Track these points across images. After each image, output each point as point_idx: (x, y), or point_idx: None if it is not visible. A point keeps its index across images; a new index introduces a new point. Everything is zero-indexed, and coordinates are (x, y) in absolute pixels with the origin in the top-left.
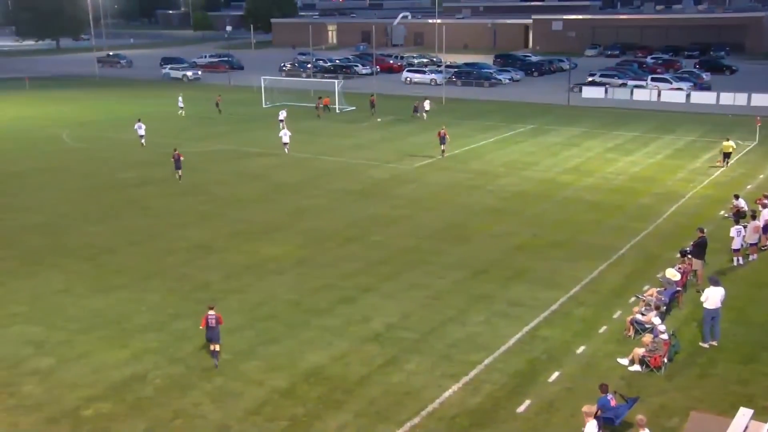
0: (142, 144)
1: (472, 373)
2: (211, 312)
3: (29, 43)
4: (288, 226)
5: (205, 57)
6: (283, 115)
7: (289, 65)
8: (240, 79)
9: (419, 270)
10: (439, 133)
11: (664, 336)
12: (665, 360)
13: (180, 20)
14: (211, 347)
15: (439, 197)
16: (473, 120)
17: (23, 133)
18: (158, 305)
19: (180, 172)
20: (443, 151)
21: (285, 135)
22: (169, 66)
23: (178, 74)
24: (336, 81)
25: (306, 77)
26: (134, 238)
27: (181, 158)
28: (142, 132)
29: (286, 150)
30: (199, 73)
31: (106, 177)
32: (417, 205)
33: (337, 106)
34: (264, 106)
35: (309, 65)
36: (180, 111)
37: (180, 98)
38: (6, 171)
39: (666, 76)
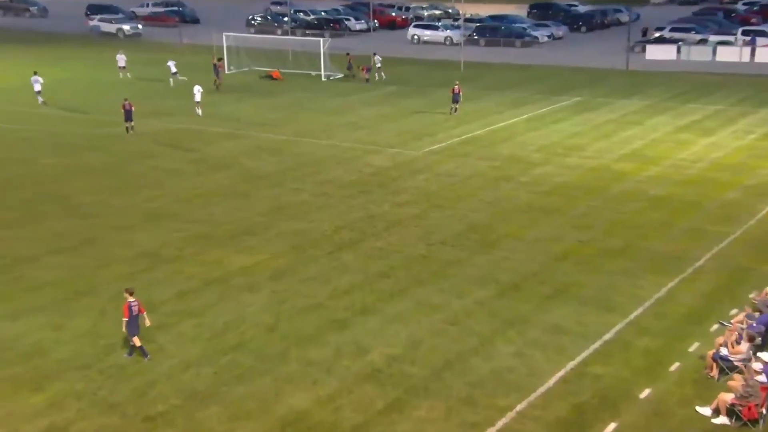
0: (40, 102)
1: (501, 423)
2: (132, 299)
3: None
4: (262, 228)
5: (148, 5)
6: (173, 66)
7: (260, 18)
8: (195, 36)
9: (431, 286)
10: (453, 90)
11: (762, 378)
12: (763, 410)
13: None
14: (135, 342)
15: (457, 191)
16: (500, 91)
17: None
18: (87, 333)
19: (131, 124)
20: (454, 109)
21: (197, 92)
22: (98, 17)
23: (111, 28)
24: (321, 40)
25: (282, 34)
26: (59, 245)
27: (133, 108)
28: (38, 87)
29: (198, 112)
30: (140, 26)
31: (23, 165)
32: (428, 201)
33: (322, 73)
34: (227, 71)
35: (286, 18)
36: (176, 78)
37: (171, 63)
38: None
39: (763, 27)
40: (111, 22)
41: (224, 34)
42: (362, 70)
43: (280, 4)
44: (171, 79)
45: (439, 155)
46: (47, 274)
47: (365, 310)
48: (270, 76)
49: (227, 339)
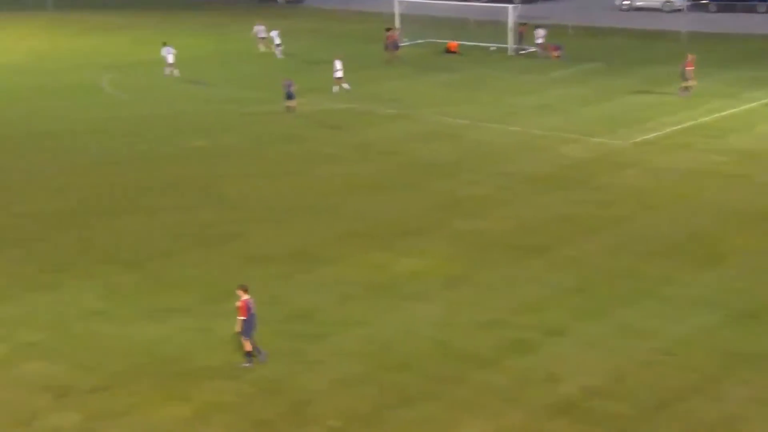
0: (168, 74)
1: None
2: (247, 296)
3: None
4: (434, 227)
5: None
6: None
7: None
8: (365, 2)
9: (639, 306)
10: (686, 64)
11: None
12: None
13: None
14: (247, 346)
15: (674, 191)
16: (734, 69)
17: (48, 76)
18: (236, 339)
19: (293, 103)
20: (685, 88)
21: (338, 67)
22: None
23: None
24: (510, 7)
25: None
26: (204, 238)
27: (293, 87)
28: (171, 59)
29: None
30: None
31: (165, 145)
32: (636, 201)
33: (509, 46)
34: (400, 44)
35: None
36: (270, 49)
37: (275, 33)
38: (26, 132)
39: None
40: None
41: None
42: (550, 49)
43: None
44: (276, 51)
45: (653, 146)
46: (192, 270)
47: (556, 331)
48: (447, 50)
49: (393, 355)
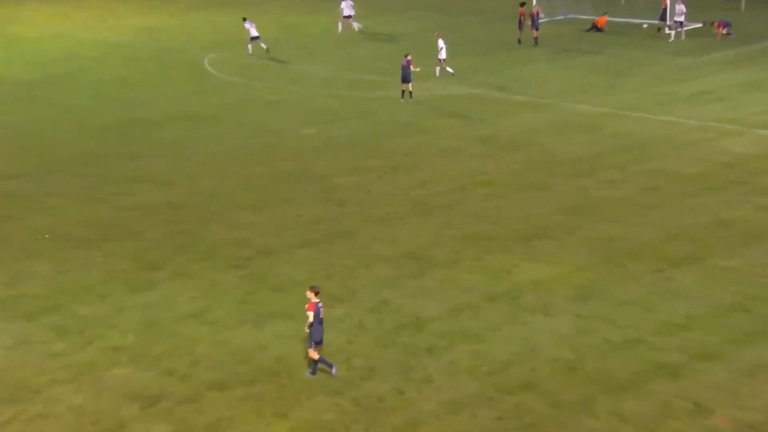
0: (263, 48)
1: None
2: (317, 299)
3: None
4: (564, 231)
5: None
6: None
7: None
8: None
9: None
10: None
11: None
12: None
13: None
14: (314, 355)
15: None
16: None
17: (153, 56)
18: (341, 350)
19: (409, 86)
20: None
21: (442, 47)
22: None
23: None
24: None
25: None
26: (310, 236)
27: (412, 67)
28: (254, 32)
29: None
30: None
31: (271, 134)
32: None
33: (667, 22)
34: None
35: None
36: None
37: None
38: (128, 117)
39: None
40: None
41: None
42: (716, 26)
43: None
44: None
45: None
46: (296, 271)
47: (706, 354)
48: (595, 27)
49: (513, 375)
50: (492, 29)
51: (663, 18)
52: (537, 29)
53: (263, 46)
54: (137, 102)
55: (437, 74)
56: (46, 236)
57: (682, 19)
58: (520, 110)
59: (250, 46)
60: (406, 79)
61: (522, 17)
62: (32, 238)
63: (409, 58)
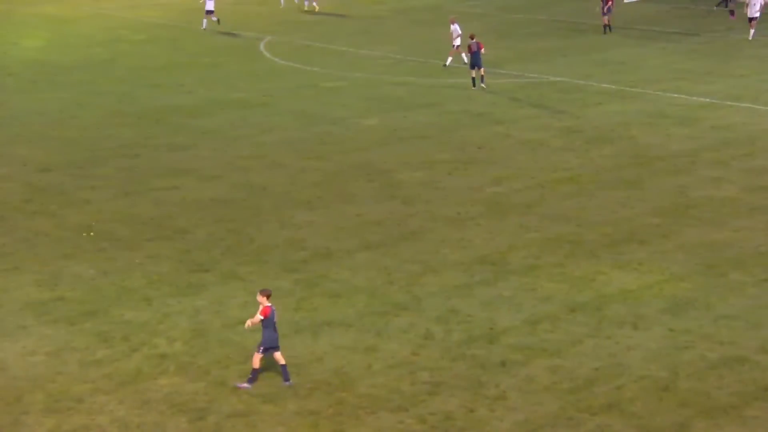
0: (214, 21)
1: None
2: (270, 304)
3: None
4: (657, 235)
5: None
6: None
7: None
8: None
9: None
10: None
11: None
12: None
13: None
14: (256, 362)
15: None
16: None
17: (203, 38)
18: (405, 362)
19: (481, 72)
20: None
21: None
22: None
23: None
24: None
25: None
26: (372, 238)
27: (483, 50)
28: (211, 5)
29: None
30: None
31: (331, 124)
32: None
33: None
34: (625, 0)
35: None
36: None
37: None
38: (172, 104)
39: None
40: None
41: None
42: None
43: None
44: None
45: None
46: (356, 276)
47: None
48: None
49: (596, 394)
50: (580, 6)
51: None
52: (606, 13)
53: (214, 19)
54: (182, 88)
55: (447, 63)
56: (91, 234)
57: (758, 14)
58: (608, 100)
59: (204, 21)
60: (475, 64)
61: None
62: (71, 236)
63: (476, 40)
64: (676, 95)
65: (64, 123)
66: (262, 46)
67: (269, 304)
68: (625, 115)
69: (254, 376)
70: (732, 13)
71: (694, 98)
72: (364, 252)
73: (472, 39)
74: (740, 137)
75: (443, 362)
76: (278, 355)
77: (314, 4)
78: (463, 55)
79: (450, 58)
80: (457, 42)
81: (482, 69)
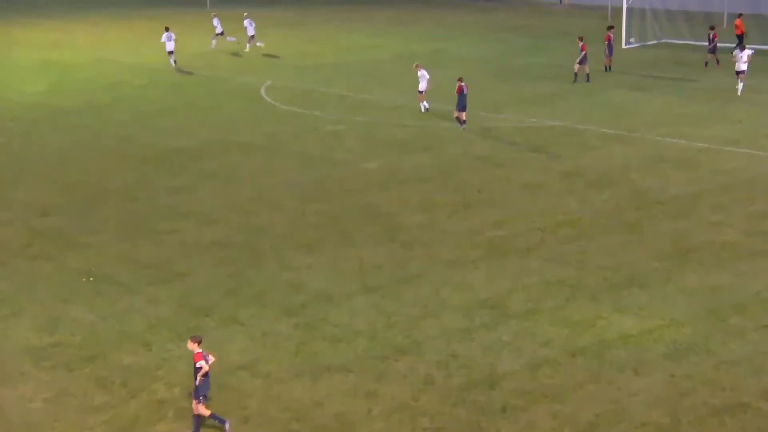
0: (173, 64)
1: None
2: (201, 350)
3: None
4: (658, 279)
5: None
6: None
7: None
8: None
9: None
10: None
11: None
12: None
13: None
14: (203, 411)
15: None
16: None
17: (204, 82)
18: (404, 407)
19: (464, 115)
20: None
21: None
22: None
23: None
24: None
25: None
26: (373, 281)
27: (465, 90)
28: (171, 47)
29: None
30: None
31: (332, 166)
32: None
33: None
34: (625, 45)
35: None
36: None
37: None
38: (172, 146)
39: None
40: None
41: None
42: None
43: None
44: (214, 41)
45: None
46: (356, 320)
47: None
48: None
49: None
50: (574, 52)
51: (712, 50)
52: (582, 62)
53: (229, 39)
54: (183, 130)
55: (423, 109)
56: (91, 279)
57: (745, 66)
58: (608, 143)
59: (214, 41)
60: (464, 106)
61: (609, 41)
62: (71, 280)
63: (464, 83)
64: (675, 140)
65: (65, 166)
66: (262, 91)
67: (200, 350)
68: (624, 158)
69: (199, 422)
70: (708, 63)
71: (693, 143)
72: (364, 295)
73: (461, 81)
74: (739, 181)
75: (444, 407)
76: (203, 407)
77: (258, 44)
78: (424, 102)
79: (424, 103)
80: (422, 86)
81: (464, 114)
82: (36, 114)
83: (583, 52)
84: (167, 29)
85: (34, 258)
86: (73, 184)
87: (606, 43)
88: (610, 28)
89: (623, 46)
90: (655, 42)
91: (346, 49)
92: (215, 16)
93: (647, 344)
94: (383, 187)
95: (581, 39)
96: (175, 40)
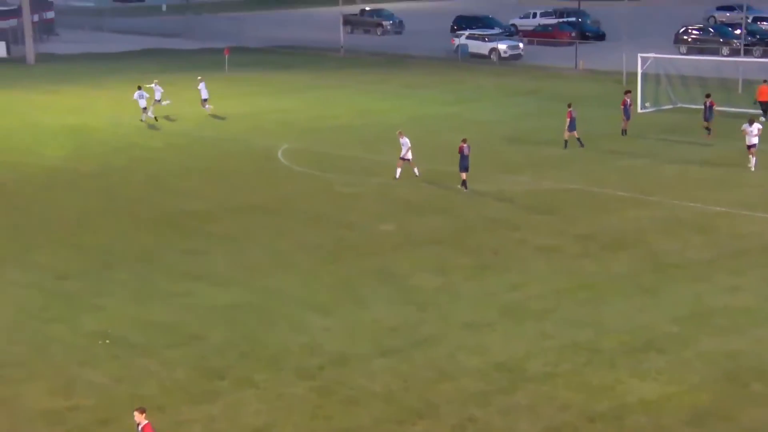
0: (142, 119)
1: None
2: (147, 422)
3: None
4: (676, 343)
5: (535, 16)
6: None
7: (696, 32)
8: (597, 58)
9: None
10: None
11: None
12: None
13: None
14: None
15: None
16: None
17: (219, 144)
18: None
19: (463, 176)
20: None
21: (405, 145)
22: (466, 33)
23: (483, 48)
24: None
25: (729, 54)
26: (389, 343)
27: (466, 151)
28: (143, 103)
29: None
30: (521, 46)
31: (347, 228)
32: None
33: None
34: (640, 110)
35: (738, 31)
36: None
37: (156, 87)
38: (185, 209)
39: None
40: (483, 40)
41: (639, 55)
42: None
43: (730, 9)
44: (145, 116)
45: None
46: (372, 383)
47: None
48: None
49: None
50: (594, 115)
51: (708, 118)
52: (570, 129)
53: (149, 114)
54: (196, 193)
55: (397, 176)
56: (107, 341)
57: (755, 140)
58: (623, 206)
59: (208, 107)
60: (466, 167)
61: (626, 105)
62: (85, 343)
63: (468, 144)
64: (692, 203)
65: (81, 228)
66: (279, 154)
67: (146, 421)
68: (640, 221)
69: None
70: (710, 130)
71: (710, 207)
72: (380, 358)
73: (464, 142)
74: (756, 246)
75: None
76: None
77: (206, 107)
78: (415, 169)
79: (399, 170)
80: (408, 155)
81: (466, 174)
82: (54, 178)
83: (568, 119)
84: (140, 88)
85: (49, 321)
86: (88, 246)
87: (623, 107)
88: (627, 92)
89: (638, 111)
90: (670, 107)
91: (361, 112)
92: (201, 80)
93: (667, 410)
94: (398, 249)
95: (569, 106)
96: (147, 99)
